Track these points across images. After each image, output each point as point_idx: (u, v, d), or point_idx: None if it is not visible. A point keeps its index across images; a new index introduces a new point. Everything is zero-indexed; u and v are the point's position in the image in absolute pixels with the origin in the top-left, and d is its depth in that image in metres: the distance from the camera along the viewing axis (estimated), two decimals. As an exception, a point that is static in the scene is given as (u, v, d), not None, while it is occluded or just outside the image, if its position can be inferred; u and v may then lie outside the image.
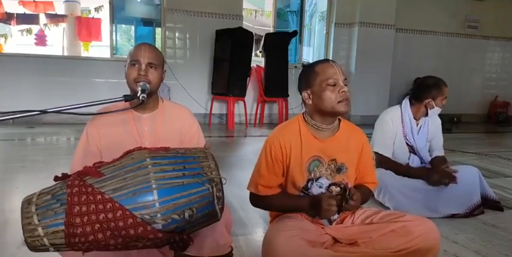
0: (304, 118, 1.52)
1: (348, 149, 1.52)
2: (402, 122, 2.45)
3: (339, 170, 1.48)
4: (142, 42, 1.55)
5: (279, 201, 1.50)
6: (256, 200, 1.54)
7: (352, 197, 1.35)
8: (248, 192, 1.56)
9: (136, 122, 1.50)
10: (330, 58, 6.28)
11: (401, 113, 2.46)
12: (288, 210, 1.52)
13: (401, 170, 2.42)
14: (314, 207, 1.41)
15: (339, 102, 1.40)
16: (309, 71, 1.48)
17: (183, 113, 1.59)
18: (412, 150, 2.47)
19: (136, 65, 1.43)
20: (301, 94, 1.51)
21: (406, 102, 2.47)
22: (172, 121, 1.54)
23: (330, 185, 1.48)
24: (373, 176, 1.61)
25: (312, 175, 1.48)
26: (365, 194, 1.53)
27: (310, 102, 1.47)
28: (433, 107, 2.40)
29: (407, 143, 2.46)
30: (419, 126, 2.48)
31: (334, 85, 1.41)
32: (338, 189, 1.47)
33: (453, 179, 2.30)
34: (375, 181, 1.61)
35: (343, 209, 1.40)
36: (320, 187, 1.47)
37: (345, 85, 1.42)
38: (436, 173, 2.33)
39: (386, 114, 2.51)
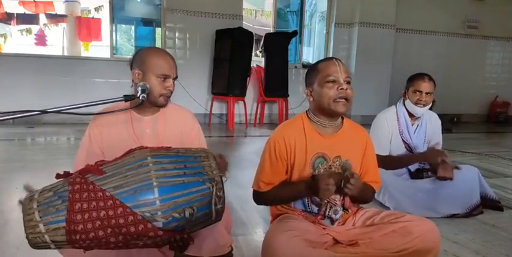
0: (308, 115, 1.52)
1: (352, 146, 1.51)
2: (398, 121, 2.45)
3: (343, 167, 1.48)
4: (157, 48, 1.54)
5: (279, 191, 1.49)
6: (259, 197, 1.54)
7: (353, 176, 1.33)
8: (249, 192, 1.57)
9: (134, 123, 1.49)
10: (330, 58, 6.28)
11: (397, 112, 2.46)
12: (289, 198, 1.50)
13: (401, 162, 2.42)
14: (312, 188, 1.37)
15: (335, 100, 1.39)
16: (312, 69, 1.49)
17: (185, 115, 1.58)
18: (409, 148, 2.47)
19: (165, 79, 1.43)
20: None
21: (401, 101, 2.47)
22: (174, 124, 1.53)
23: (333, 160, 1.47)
24: (377, 175, 1.59)
25: (317, 171, 1.47)
26: (367, 191, 1.53)
27: (311, 99, 1.48)
28: (406, 99, 2.39)
29: (404, 141, 2.46)
30: (415, 125, 2.47)
31: (334, 82, 1.40)
32: (337, 163, 1.47)
33: (452, 166, 2.30)
34: (378, 180, 1.59)
35: (344, 192, 1.37)
36: None
37: (348, 83, 1.41)
38: (434, 156, 2.32)
39: (381, 114, 2.51)
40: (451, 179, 2.27)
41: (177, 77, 1.49)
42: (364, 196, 1.52)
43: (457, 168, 2.32)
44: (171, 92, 1.47)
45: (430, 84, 2.34)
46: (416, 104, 2.35)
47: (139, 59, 1.45)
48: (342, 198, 1.49)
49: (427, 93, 2.33)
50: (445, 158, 2.28)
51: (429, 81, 2.34)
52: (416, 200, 2.31)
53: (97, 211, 1.00)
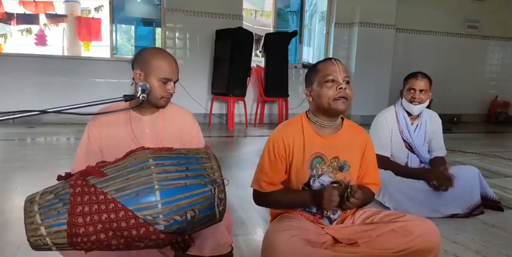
0: (308, 116, 1.52)
1: (351, 147, 1.51)
2: (397, 120, 2.45)
3: (341, 168, 1.48)
4: (161, 50, 1.50)
5: (281, 197, 1.49)
6: (260, 197, 1.53)
7: (354, 195, 1.33)
8: (249, 192, 1.56)
9: (133, 123, 1.49)
10: (330, 58, 6.29)
11: (396, 112, 2.46)
12: (291, 205, 1.51)
13: (400, 171, 2.41)
14: (316, 199, 1.38)
15: (335, 99, 1.39)
16: (311, 69, 1.49)
17: (184, 115, 1.58)
18: (410, 148, 2.46)
19: (166, 82, 1.43)
20: None
21: (399, 101, 2.47)
22: (173, 123, 1.53)
23: (332, 183, 1.45)
24: (376, 176, 1.58)
25: (314, 171, 1.47)
26: (367, 196, 1.52)
27: (311, 99, 1.48)
28: (403, 98, 2.40)
29: (404, 140, 2.45)
30: (415, 124, 2.47)
31: (333, 82, 1.40)
32: (335, 164, 1.47)
33: (451, 184, 2.28)
34: (377, 182, 1.58)
35: (344, 207, 1.39)
36: (322, 184, 1.46)
37: (347, 83, 1.41)
38: (434, 178, 2.32)
39: (381, 114, 2.52)
40: (444, 190, 2.28)
41: (178, 80, 1.49)
42: (364, 203, 1.52)
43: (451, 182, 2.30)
44: (172, 95, 1.47)
45: (424, 82, 2.33)
46: (411, 102, 2.35)
47: (142, 60, 1.44)
48: None
49: (421, 90, 2.33)
50: (448, 184, 2.27)
51: (422, 78, 2.33)
52: (416, 200, 2.31)
53: (98, 214, 1.00)
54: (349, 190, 1.34)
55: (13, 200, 2.47)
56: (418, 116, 2.46)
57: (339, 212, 1.51)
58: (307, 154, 1.46)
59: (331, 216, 1.50)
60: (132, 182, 1.04)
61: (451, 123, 7.24)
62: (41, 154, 3.90)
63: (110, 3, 6.17)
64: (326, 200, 1.34)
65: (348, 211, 1.54)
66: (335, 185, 1.43)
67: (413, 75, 2.37)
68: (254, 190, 1.53)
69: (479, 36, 7.94)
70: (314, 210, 1.50)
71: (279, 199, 1.49)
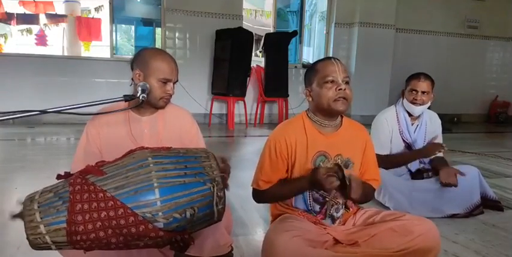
0: (308, 115, 1.52)
1: (352, 145, 1.52)
2: (398, 121, 2.45)
3: (345, 165, 1.48)
4: (160, 51, 1.50)
5: (279, 189, 1.49)
6: (258, 195, 1.54)
7: (353, 183, 1.32)
8: (249, 192, 1.57)
9: (132, 124, 1.48)
10: (330, 58, 6.29)
11: (396, 112, 2.46)
12: (290, 194, 1.50)
13: (402, 159, 2.42)
14: (313, 182, 1.38)
15: (335, 100, 1.40)
16: (310, 69, 1.49)
17: (183, 114, 1.58)
18: (409, 148, 2.46)
19: (166, 83, 1.43)
20: None
21: (400, 101, 2.47)
22: (173, 123, 1.53)
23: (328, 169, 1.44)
24: (377, 173, 1.60)
25: None
26: (368, 191, 1.53)
27: (310, 99, 1.48)
28: (404, 98, 2.40)
29: (404, 140, 2.45)
30: (415, 125, 2.47)
31: (333, 82, 1.40)
32: (339, 162, 1.46)
33: (459, 173, 2.28)
34: (378, 178, 1.60)
35: (348, 195, 1.37)
36: None
37: (346, 83, 1.41)
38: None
39: (381, 114, 2.51)
40: (455, 185, 2.26)
41: (177, 81, 1.49)
42: (365, 195, 1.52)
43: (461, 174, 2.29)
44: (171, 96, 1.47)
45: (426, 84, 2.33)
46: (412, 103, 2.36)
47: (142, 61, 1.43)
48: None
49: (423, 92, 2.32)
50: (442, 150, 2.29)
51: (425, 80, 2.33)
52: (416, 200, 2.31)
53: (98, 212, 1.00)
54: (347, 177, 1.33)
55: (13, 200, 2.46)
56: (418, 116, 2.46)
57: (342, 210, 1.51)
58: (311, 152, 1.47)
59: (334, 214, 1.50)
60: (131, 180, 1.04)
61: (451, 123, 7.24)
62: (41, 154, 3.90)
63: (110, 3, 6.17)
64: (322, 177, 1.32)
65: (351, 209, 1.55)
66: (329, 166, 1.42)
67: (415, 77, 2.36)
68: (253, 188, 1.54)
69: (479, 36, 7.94)
70: (317, 209, 1.50)
71: (277, 191, 1.50)
